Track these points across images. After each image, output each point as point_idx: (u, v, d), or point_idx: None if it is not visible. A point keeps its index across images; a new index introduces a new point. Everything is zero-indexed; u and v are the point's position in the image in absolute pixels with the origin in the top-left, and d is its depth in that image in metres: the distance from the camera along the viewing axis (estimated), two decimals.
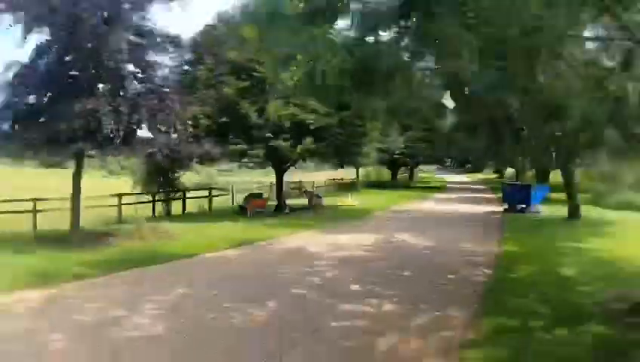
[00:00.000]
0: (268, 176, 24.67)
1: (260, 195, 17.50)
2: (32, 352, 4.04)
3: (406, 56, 5.22)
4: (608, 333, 4.47)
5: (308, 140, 14.94)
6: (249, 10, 5.36)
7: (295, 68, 6.61)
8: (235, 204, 19.05)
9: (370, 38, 4.86)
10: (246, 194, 17.48)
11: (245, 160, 17.17)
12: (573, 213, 14.36)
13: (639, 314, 4.91)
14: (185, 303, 5.58)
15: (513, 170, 37.91)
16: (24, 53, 13.27)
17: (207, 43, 10.13)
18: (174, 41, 9.36)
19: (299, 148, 15.04)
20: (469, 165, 56.57)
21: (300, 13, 4.64)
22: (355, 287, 6.49)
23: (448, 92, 5.66)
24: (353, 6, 4.71)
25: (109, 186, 18.72)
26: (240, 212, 15.75)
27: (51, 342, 4.29)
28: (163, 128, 9.15)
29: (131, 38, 8.86)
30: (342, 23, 4.95)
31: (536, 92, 5.23)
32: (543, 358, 3.93)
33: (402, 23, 4.69)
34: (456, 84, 5.86)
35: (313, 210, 17.40)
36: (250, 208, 15.79)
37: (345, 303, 5.62)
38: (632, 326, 4.62)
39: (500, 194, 21.04)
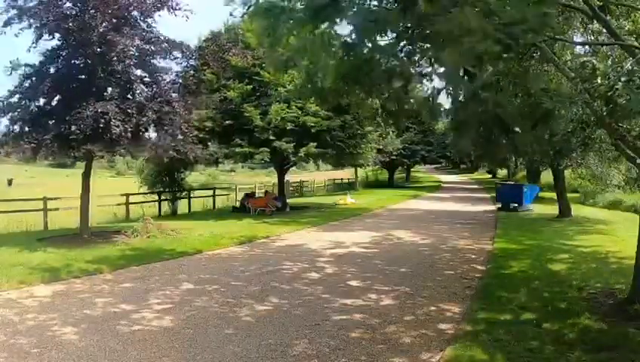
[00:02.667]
0: (269, 176, 24.96)
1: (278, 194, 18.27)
2: (44, 345, 4.18)
3: (403, 58, 5.40)
4: (597, 327, 4.58)
5: (309, 145, 15.24)
6: (253, 4, 5.50)
7: (295, 70, 6.82)
8: (237, 203, 19.41)
9: (369, 43, 5.02)
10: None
11: (249, 161, 17.54)
12: (564, 212, 14.65)
13: (627, 308, 5.02)
14: (191, 298, 5.75)
15: (506, 170, 38.23)
16: (33, 57, 13.58)
17: (212, 49, 10.40)
18: (180, 47, 9.64)
19: (302, 150, 15.32)
20: (464, 165, 57.09)
21: (303, 8, 4.77)
22: (354, 283, 6.65)
23: (443, 93, 5.85)
24: (354, 9, 4.85)
25: (116, 186, 19.07)
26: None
27: (63, 334, 4.43)
28: (169, 130, 9.42)
29: (139, 43, 9.14)
30: (341, 27, 5.13)
31: (528, 94, 5.44)
32: (530, 350, 4.02)
33: (401, 26, 4.81)
34: (453, 85, 6.02)
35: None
36: (252, 207, 16.14)
37: (344, 298, 5.78)
38: (619, 321, 4.73)
39: (493, 194, 21.30)
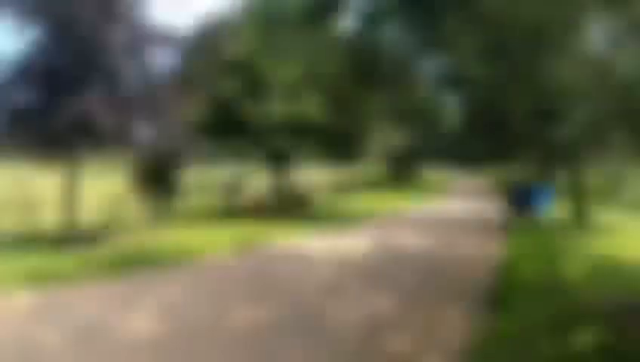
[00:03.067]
0: (269, 176, 24.63)
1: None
2: (27, 354, 3.95)
3: (407, 53, 5.14)
4: (612, 336, 4.38)
5: (309, 142, 14.90)
6: (252, 10, 5.27)
7: (295, 66, 6.49)
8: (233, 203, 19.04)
9: (371, 35, 4.78)
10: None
11: (245, 159, 17.16)
12: (580, 215, 14.03)
13: None
14: (184, 302, 5.52)
15: (516, 170, 37.92)
16: (16, 50, 13.10)
17: (206, 41, 10.02)
18: (171, 39, 9.23)
19: (300, 148, 14.98)
20: (472, 165, 56.89)
21: (302, 10, 4.57)
22: (354, 284, 6.45)
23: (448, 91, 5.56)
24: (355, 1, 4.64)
25: (108, 186, 18.57)
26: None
27: (50, 341, 4.20)
28: (160, 126, 9.03)
29: (128, 35, 8.73)
30: (343, 23, 4.88)
31: (539, 88, 5.11)
32: (542, 359, 3.89)
33: (403, 17, 4.57)
34: (460, 81, 5.75)
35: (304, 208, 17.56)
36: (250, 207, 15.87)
37: (344, 300, 5.61)
38: (636, 330, 4.55)
39: (504, 195, 20.94)
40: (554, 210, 16.89)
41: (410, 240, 11.28)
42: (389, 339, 4.47)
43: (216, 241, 9.81)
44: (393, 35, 4.62)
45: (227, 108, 14.47)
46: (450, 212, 18.71)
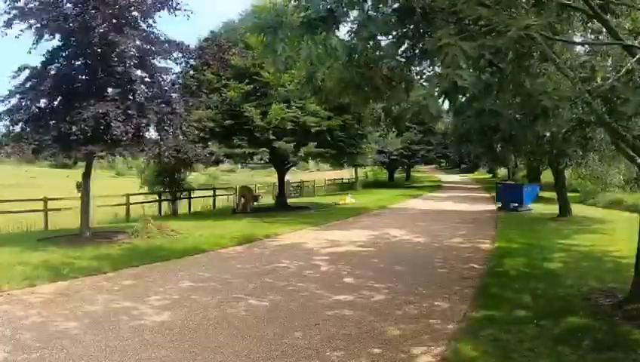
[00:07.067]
0: (270, 176, 24.99)
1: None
2: (47, 340, 4.25)
3: (403, 62, 5.43)
4: (597, 326, 4.55)
5: (310, 145, 15.26)
6: (251, 19, 5.55)
7: (296, 72, 6.82)
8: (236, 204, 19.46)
9: (370, 45, 5.04)
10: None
11: (248, 161, 17.61)
12: (564, 211, 14.66)
13: (627, 307, 4.99)
14: (191, 296, 5.79)
15: (506, 169, 38.37)
16: (34, 58, 13.62)
17: (212, 49, 10.44)
18: (180, 47, 9.65)
19: (301, 150, 15.34)
20: (464, 165, 57.16)
21: (301, 21, 4.81)
22: (350, 280, 6.68)
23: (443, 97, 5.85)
24: (353, 14, 4.88)
25: (116, 186, 19.08)
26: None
27: (66, 330, 4.50)
28: (170, 131, 9.44)
29: (139, 44, 9.16)
30: (342, 30, 5.15)
31: (526, 94, 5.42)
32: (530, 349, 4.00)
33: (400, 30, 4.83)
34: (451, 89, 6.03)
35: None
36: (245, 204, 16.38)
37: (341, 295, 5.82)
38: (620, 320, 4.73)
39: (493, 193, 21.36)
40: (539, 205, 17.33)
41: (414, 229, 11.61)
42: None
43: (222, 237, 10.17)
44: (388, 47, 4.93)
45: (233, 114, 14.94)
46: (444, 206, 19.08)
